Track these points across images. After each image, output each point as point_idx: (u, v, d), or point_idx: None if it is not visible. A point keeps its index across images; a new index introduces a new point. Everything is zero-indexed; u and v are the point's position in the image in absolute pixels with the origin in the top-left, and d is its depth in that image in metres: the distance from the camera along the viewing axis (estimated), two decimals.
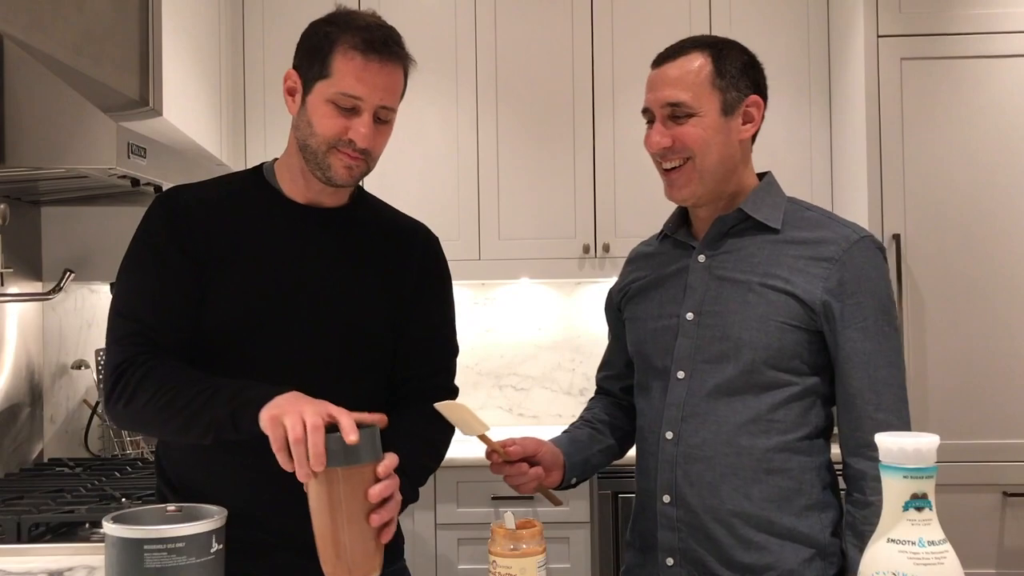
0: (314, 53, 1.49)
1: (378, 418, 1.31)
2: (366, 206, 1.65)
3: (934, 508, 1.08)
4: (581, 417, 1.80)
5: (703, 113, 1.54)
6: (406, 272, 1.62)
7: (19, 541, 1.89)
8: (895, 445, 1.08)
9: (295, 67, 1.53)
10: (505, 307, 3.67)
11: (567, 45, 3.38)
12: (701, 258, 1.61)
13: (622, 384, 1.79)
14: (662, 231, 1.72)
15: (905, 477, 1.07)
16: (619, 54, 3.35)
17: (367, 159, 1.51)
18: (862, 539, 1.50)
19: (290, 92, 1.54)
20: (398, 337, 1.61)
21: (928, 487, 1.08)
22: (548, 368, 3.68)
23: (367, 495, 1.25)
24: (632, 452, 1.75)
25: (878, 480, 1.48)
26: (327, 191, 1.56)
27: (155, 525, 1.16)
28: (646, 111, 1.60)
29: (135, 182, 2.07)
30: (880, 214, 2.97)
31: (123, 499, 2.09)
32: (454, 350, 1.69)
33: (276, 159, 1.64)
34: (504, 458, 1.53)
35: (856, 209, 3.08)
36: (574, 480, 1.68)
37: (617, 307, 1.76)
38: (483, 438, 1.46)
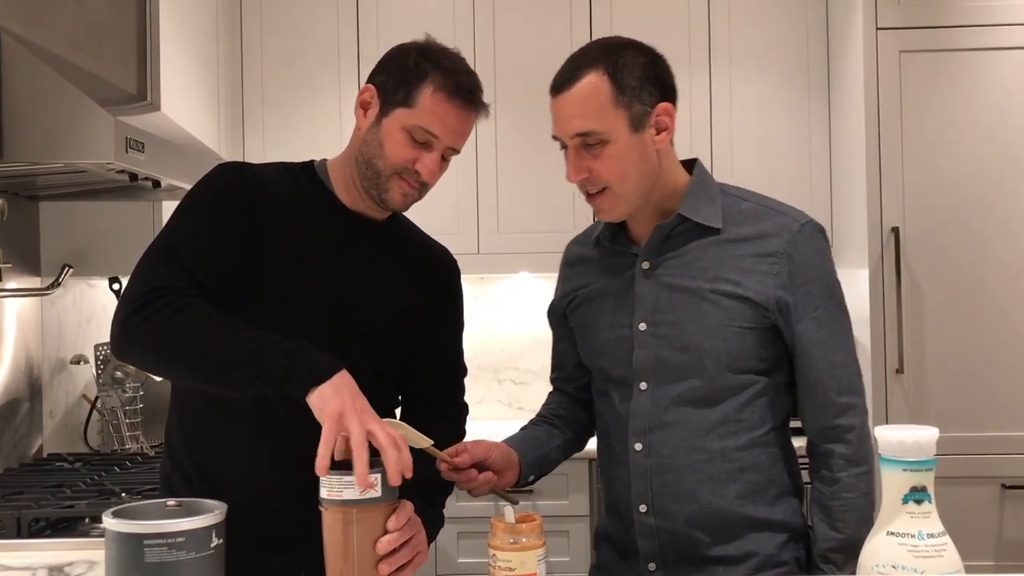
0: (401, 79, 1.52)
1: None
2: (401, 224, 1.70)
3: (933, 501, 1.08)
4: (539, 414, 1.80)
5: (613, 137, 1.49)
6: (431, 293, 1.68)
7: (19, 536, 1.89)
8: (894, 438, 1.08)
9: (375, 83, 1.55)
10: (504, 301, 3.67)
11: (565, 39, 3.37)
12: (645, 265, 1.58)
13: (576, 384, 1.79)
14: (596, 236, 1.67)
15: (904, 470, 1.07)
16: None
17: (422, 190, 1.56)
18: (830, 514, 1.54)
19: (363, 105, 1.56)
20: (414, 352, 1.66)
21: (927, 480, 1.08)
22: (547, 362, 3.66)
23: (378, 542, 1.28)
24: None
25: (844, 458, 1.54)
26: (375, 206, 1.59)
27: (155, 520, 1.16)
28: (556, 138, 1.56)
29: (133, 177, 2.07)
30: (879, 207, 2.97)
31: (123, 494, 2.10)
32: (463, 370, 1.76)
33: (325, 160, 1.66)
34: (452, 466, 1.51)
35: (855, 202, 3.08)
36: (532, 478, 1.68)
37: (562, 314, 1.74)
38: (429, 450, 1.45)
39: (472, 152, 3.34)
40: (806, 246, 1.55)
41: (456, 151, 1.56)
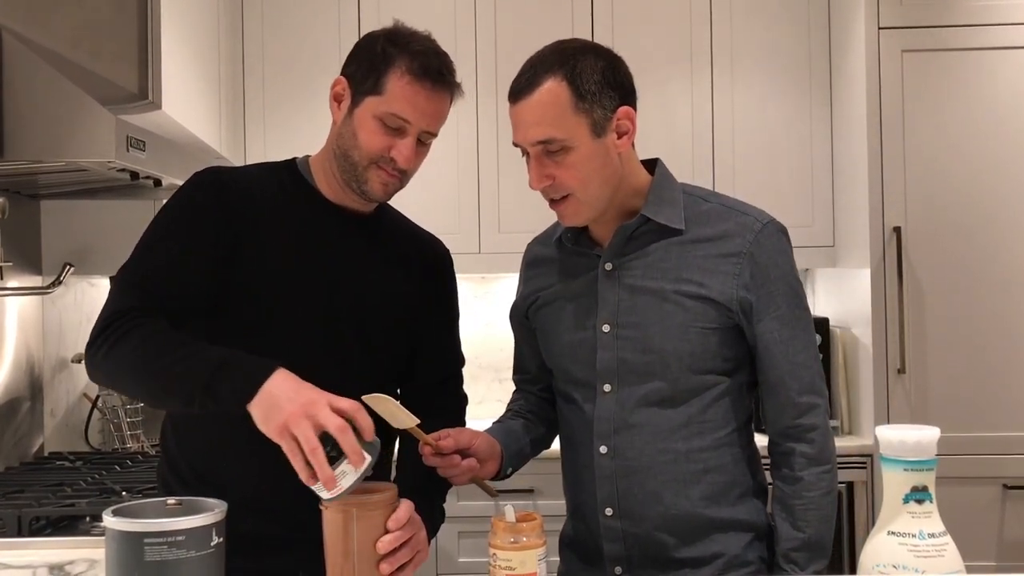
0: (369, 67, 1.51)
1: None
2: (388, 215, 1.68)
3: (934, 501, 1.08)
4: (510, 409, 1.78)
5: (575, 144, 1.48)
6: (425, 283, 1.66)
7: (20, 535, 1.89)
8: (895, 438, 1.08)
9: (346, 75, 1.55)
10: (505, 301, 3.65)
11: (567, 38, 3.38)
12: (608, 266, 1.58)
13: (539, 386, 1.77)
14: (558, 236, 1.67)
15: (905, 470, 1.07)
16: (619, 47, 3.33)
17: (403, 178, 1.54)
18: (792, 513, 1.54)
19: (336, 98, 1.56)
20: (410, 345, 1.65)
21: (928, 480, 1.08)
22: None
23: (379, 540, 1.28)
24: None
25: (806, 456, 1.54)
26: (358, 199, 1.58)
27: (155, 518, 1.16)
28: (517, 145, 1.55)
29: (134, 175, 2.07)
30: (881, 207, 2.97)
31: (123, 493, 2.10)
32: (462, 360, 1.75)
33: (307, 156, 1.65)
34: (436, 451, 1.49)
35: (856, 202, 3.08)
36: (509, 470, 1.66)
37: (524, 315, 1.73)
38: (413, 431, 1.43)
39: (473, 151, 3.34)
40: (768, 246, 1.54)
41: (432, 134, 1.54)
